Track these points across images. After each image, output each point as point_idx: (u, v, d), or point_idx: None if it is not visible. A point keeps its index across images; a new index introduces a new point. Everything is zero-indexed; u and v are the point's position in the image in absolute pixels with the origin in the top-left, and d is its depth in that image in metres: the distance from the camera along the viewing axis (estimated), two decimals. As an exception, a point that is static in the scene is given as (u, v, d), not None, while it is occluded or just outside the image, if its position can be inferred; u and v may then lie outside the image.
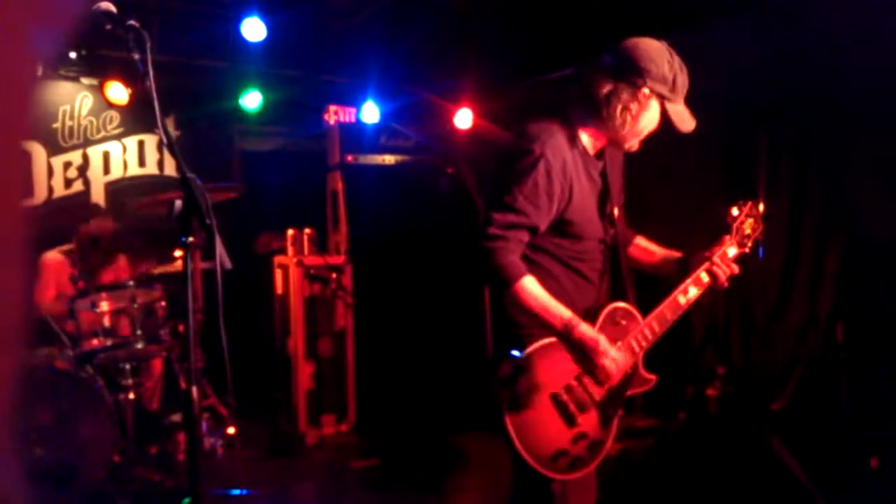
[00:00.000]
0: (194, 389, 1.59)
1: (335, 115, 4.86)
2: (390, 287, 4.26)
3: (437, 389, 4.23)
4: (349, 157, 4.50)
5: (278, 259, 4.25)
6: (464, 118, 4.90)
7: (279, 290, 4.22)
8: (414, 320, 4.29)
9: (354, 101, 4.87)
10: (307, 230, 4.16)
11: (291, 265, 4.08)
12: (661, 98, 1.80)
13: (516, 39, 4.58)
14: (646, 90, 1.78)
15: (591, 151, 1.89)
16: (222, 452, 3.46)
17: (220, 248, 1.62)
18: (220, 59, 4.56)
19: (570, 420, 1.75)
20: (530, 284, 1.72)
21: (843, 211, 3.21)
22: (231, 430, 3.52)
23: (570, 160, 1.80)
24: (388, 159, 4.61)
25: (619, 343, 1.80)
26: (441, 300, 4.43)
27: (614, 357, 1.75)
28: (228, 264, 1.69)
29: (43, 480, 2.77)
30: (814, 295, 3.28)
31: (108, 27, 1.71)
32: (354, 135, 4.59)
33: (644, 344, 1.86)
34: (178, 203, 1.61)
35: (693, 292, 1.93)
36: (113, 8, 1.69)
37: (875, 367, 2.97)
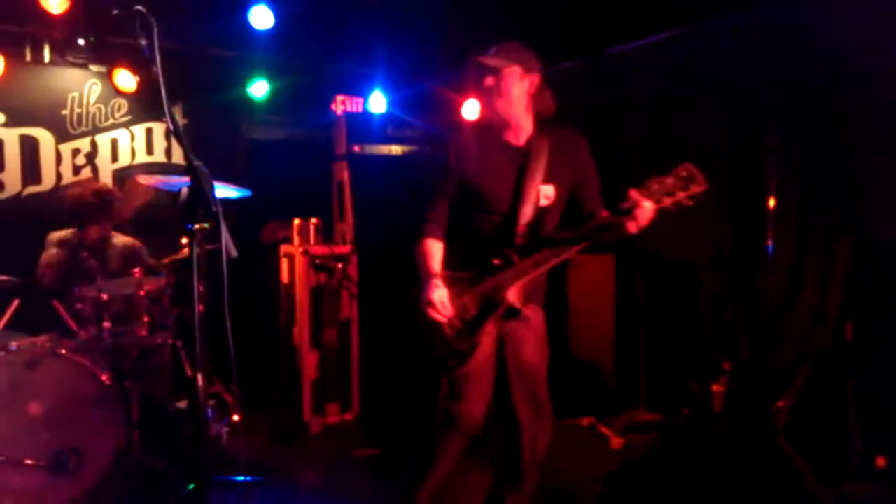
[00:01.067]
0: (200, 377, 1.59)
1: (342, 104, 4.85)
2: (395, 277, 4.25)
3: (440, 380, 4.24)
4: (356, 147, 4.49)
5: (284, 248, 4.25)
6: (471, 109, 4.87)
7: (285, 279, 4.22)
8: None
9: (362, 91, 4.86)
10: (313, 220, 4.16)
11: (297, 255, 4.08)
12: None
13: (524, 30, 4.55)
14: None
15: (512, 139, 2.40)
16: (227, 439, 3.47)
17: (225, 236, 1.62)
18: (228, 48, 4.55)
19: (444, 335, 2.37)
20: (422, 244, 2.43)
21: (854, 209, 3.18)
22: (236, 418, 3.54)
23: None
24: (395, 149, 4.59)
25: (457, 299, 2.34)
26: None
27: (433, 305, 2.30)
28: (234, 252, 1.69)
29: (50, 465, 2.79)
30: (823, 292, 3.25)
31: (115, 12, 1.70)
32: (361, 125, 4.58)
33: (472, 310, 2.34)
34: (185, 190, 1.61)
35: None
36: (119, -8, 1.69)
37: (883, 365, 2.95)
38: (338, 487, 3.31)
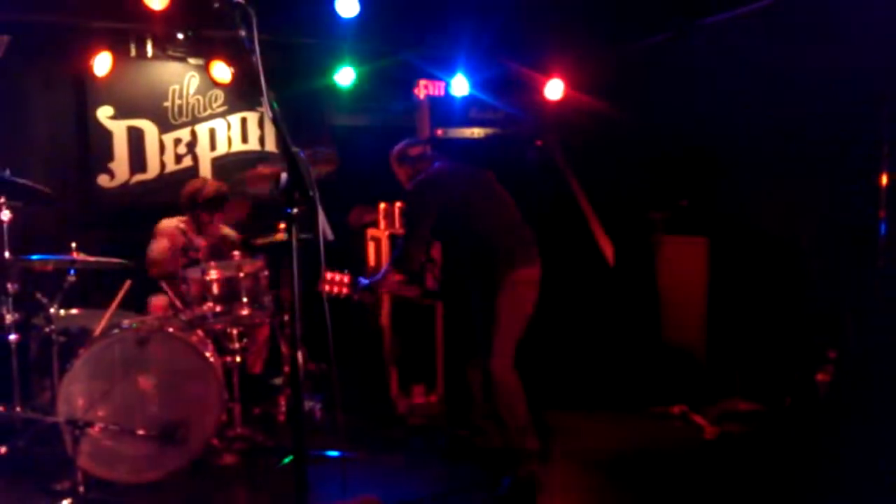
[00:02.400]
0: (299, 354, 1.66)
1: (425, 88, 4.87)
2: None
3: (524, 363, 4.22)
4: (438, 131, 4.51)
5: (371, 232, 4.34)
6: (554, 89, 4.78)
7: (371, 262, 4.32)
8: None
9: (444, 75, 4.86)
10: (398, 203, 4.22)
11: (383, 238, 4.17)
12: None
13: (608, 6, 4.41)
14: None
15: None
16: (320, 415, 3.61)
17: (322, 220, 1.67)
18: (314, 37, 4.65)
19: None
20: None
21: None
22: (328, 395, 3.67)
23: None
24: (477, 132, 4.58)
25: None
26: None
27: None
28: (330, 236, 1.74)
29: (159, 436, 2.99)
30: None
31: (216, 5, 1.77)
32: (444, 108, 4.59)
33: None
34: (284, 176, 1.67)
35: None
36: (220, -14, 1.75)
37: None
38: (424, 467, 3.37)
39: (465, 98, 4.73)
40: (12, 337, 3.20)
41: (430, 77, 4.85)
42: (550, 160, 4.67)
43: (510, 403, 3.04)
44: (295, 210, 1.69)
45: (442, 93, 4.85)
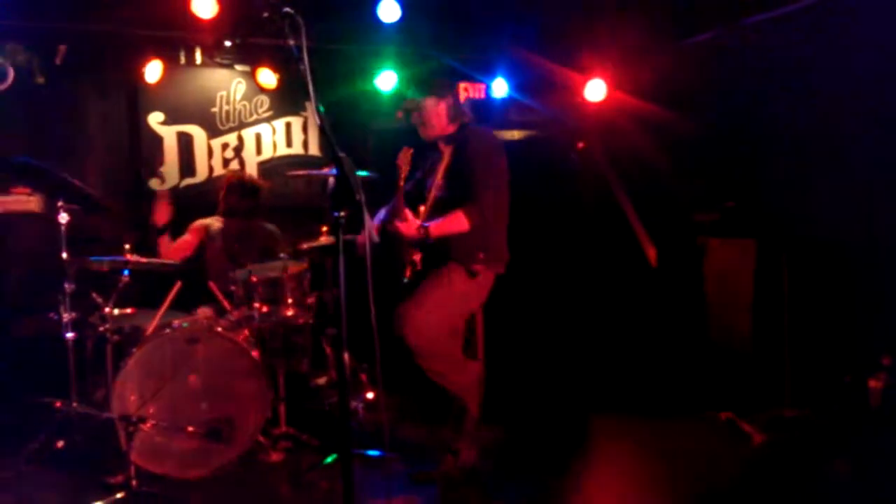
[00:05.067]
0: (346, 355, 1.69)
1: (465, 91, 4.88)
2: (516, 261, 4.26)
3: (564, 365, 4.21)
4: (479, 134, 4.49)
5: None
6: (596, 90, 4.74)
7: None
8: (540, 295, 4.26)
9: (484, 77, 4.87)
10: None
11: (423, 240, 4.18)
12: None
13: (652, 5, 4.35)
14: None
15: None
16: (362, 415, 3.65)
17: (368, 223, 1.70)
18: (355, 42, 4.71)
19: None
20: None
21: None
22: (370, 395, 3.71)
23: None
24: (516, 134, 4.58)
25: None
26: (568, 276, 4.38)
27: None
28: (376, 238, 1.77)
29: (207, 432, 3.08)
30: None
31: (266, 15, 1.82)
32: (483, 111, 4.59)
33: None
34: (332, 180, 1.70)
35: None
36: (270, -3, 1.81)
37: None
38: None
39: (504, 100, 4.73)
40: (69, 335, 3.33)
41: (470, 79, 4.87)
42: (592, 162, 4.63)
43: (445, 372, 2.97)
44: (342, 213, 1.72)
45: (482, 95, 4.86)
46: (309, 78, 1.72)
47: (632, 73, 4.67)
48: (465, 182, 2.91)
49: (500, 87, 4.79)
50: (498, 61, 4.88)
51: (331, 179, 1.71)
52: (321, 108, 1.73)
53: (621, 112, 4.72)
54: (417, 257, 3.05)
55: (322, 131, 1.76)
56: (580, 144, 4.67)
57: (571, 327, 4.32)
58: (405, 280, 3.07)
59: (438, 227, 2.87)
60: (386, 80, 4.78)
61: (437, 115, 3.04)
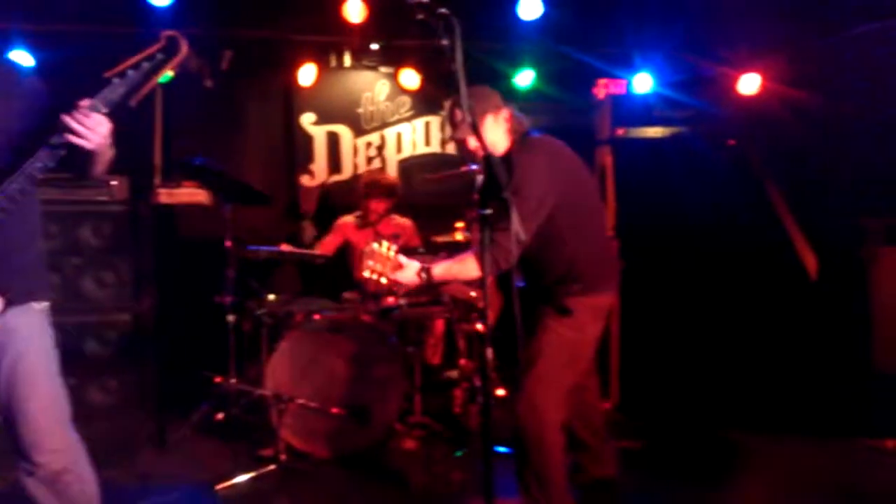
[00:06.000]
0: (489, 350, 1.71)
1: (605, 87, 4.75)
2: (660, 266, 4.08)
3: (708, 378, 3.97)
4: (619, 131, 4.37)
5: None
6: (749, 83, 4.43)
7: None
8: (684, 303, 4.06)
9: (626, 72, 4.71)
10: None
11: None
12: None
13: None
14: None
15: None
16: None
17: (515, 221, 1.70)
18: (495, 41, 4.74)
19: None
20: None
21: None
22: (500, 392, 3.73)
23: None
24: (662, 131, 4.38)
25: None
26: (716, 285, 4.13)
27: None
28: (523, 236, 1.77)
29: (349, 416, 3.24)
30: None
31: (420, 17, 1.87)
32: (625, 107, 4.44)
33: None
34: (480, 178, 1.73)
35: None
36: (425, -1, 1.86)
37: None
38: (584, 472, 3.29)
39: (648, 95, 4.55)
40: (230, 317, 3.65)
41: (610, 75, 4.74)
42: (744, 161, 4.33)
43: (539, 465, 2.40)
44: (488, 211, 1.74)
45: (623, 91, 4.70)
46: (462, 77, 1.75)
47: (789, 66, 4.32)
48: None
49: (642, 83, 4.61)
50: (641, 55, 4.71)
51: (479, 177, 1.74)
52: (472, 109, 1.75)
53: (777, 106, 4.37)
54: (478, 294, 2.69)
55: (473, 130, 1.79)
56: (731, 141, 4.38)
57: (717, 341, 4.07)
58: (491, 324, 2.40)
59: (444, 269, 2.27)
60: (524, 78, 4.77)
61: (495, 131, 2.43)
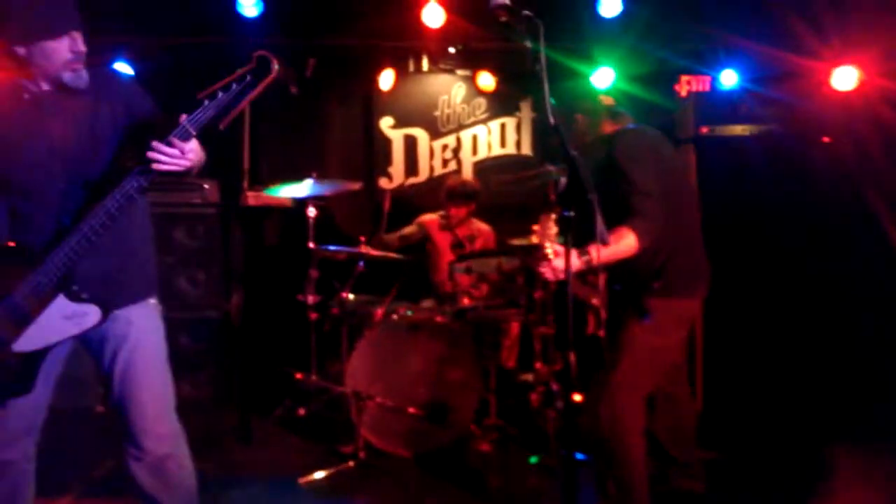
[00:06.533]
0: (572, 355, 1.69)
1: (687, 84, 4.61)
2: (746, 271, 3.91)
3: (798, 387, 3.78)
4: (704, 129, 4.22)
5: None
6: (844, 78, 4.18)
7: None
8: (772, 309, 3.87)
9: (710, 69, 4.55)
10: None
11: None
12: None
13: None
14: None
15: None
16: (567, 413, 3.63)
17: (600, 224, 1.68)
18: (573, 40, 4.68)
19: None
20: None
21: None
22: (578, 398, 3.67)
23: None
24: (749, 129, 4.19)
25: None
26: (806, 291, 3.91)
27: None
28: (607, 239, 1.74)
29: (425, 416, 3.28)
30: None
31: (503, 19, 1.88)
32: (709, 104, 4.27)
33: None
34: (563, 180, 1.71)
35: None
36: (508, 1, 1.86)
37: None
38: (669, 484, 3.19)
39: (734, 92, 4.37)
40: (312, 315, 3.78)
41: (693, 72, 4.59)
42: (841, 161, 4.09)
43: (620, 471, 2.35)
44: (572, 213, 1.73)
45: (707, 88, 4.54)
46: (545, 79, 1.74)
47: (887, 58, 4.04)
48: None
49: (728, 79, 4.44)
50: (725, 51, 4.54)
51: (562, 179, 1.72)
52: (552, 101, 1.74)
53: (877, 101, 4.10)
54: (598, 301, 2.47)
55: (556, 130, 1.78)
56: (825, 139, 4.15)
57: (808, 348, 3.86)
58: (588, 335, 2.53)
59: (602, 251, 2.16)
60: (602, 77, 4.69)
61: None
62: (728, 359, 3.89)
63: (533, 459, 3.29)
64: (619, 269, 2.38)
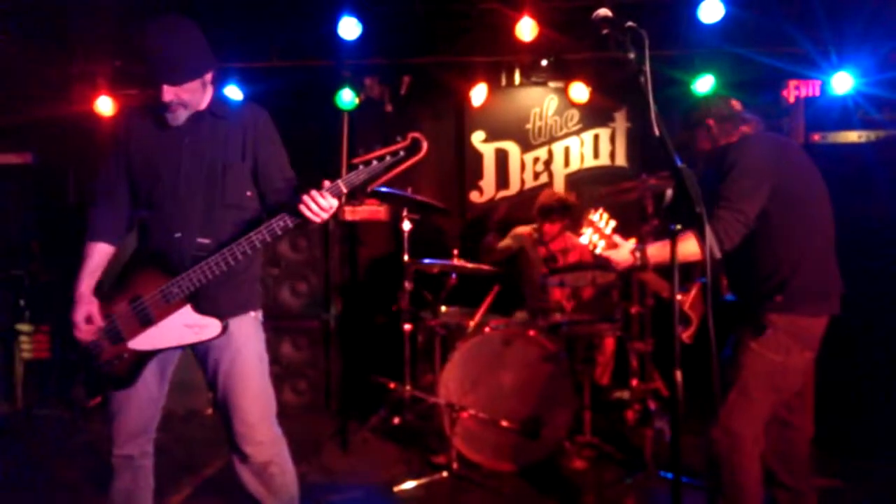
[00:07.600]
0: (678, 373, 1.64)
1: (796, 90, 4.37)
2: (862, 288, 3.64)
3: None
4: (815, 136, 3.99)
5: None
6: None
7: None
8: (891, 328, 3.59)
9: (819, 72, 4.30)
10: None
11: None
12: None
13: None
14: None
15: None
16: (670, 436, 3.50)
17: (710, 237, 1.62)
18: (673, 48, 4.55)
19: None
20: None
21: None
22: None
23: None
24: (865, 136, 3.93)
25: None
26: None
27: None
28: (718, 253, 1.68)
29: (518, 429, 3.25)
30: None
31: (605, 31, 1.86)
32: (820, 110, 4.05)
33: None
34: (669, 192, 1.67)
35: None
36: (610, 13, 1.84)
37: None
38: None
39: (847, 96, 4.11)
40: (407, 326, 3.85)
41: (800, 76, 4.35)
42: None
43: (734, 497, 2.21)
44: (679, 226, 1.68)
45: (817, 93, 4.29)
46: (650, 90, 1.71)
47: None
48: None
49: (841, 83, 4.18)
50: (838, 53, 4.27)
51: (668, 191, 1.68)
52: (660, 121, 1.70)
53: None
54: (684, 300, 2.40)
55: (661, 142, 1.74)
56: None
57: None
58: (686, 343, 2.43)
59: (659, 249, 2.12)
60: (704, 84, 4.53)
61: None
62: (841, 379, 3.63)
63: (628, 480, 3.19)
64: (735, 279, 2.30)
